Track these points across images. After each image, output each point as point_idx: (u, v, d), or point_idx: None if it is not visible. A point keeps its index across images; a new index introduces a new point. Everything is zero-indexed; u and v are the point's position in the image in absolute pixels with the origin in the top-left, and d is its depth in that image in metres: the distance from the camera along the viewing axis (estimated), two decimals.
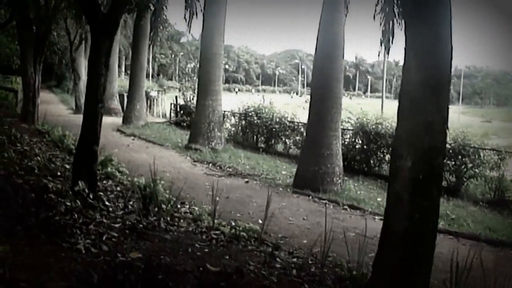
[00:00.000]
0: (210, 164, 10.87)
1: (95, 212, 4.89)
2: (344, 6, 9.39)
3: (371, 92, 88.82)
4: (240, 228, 5.27)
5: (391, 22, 8.42)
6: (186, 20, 14.98)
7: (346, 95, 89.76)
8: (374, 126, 11.42)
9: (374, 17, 7.01)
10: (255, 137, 14.69)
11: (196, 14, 15.00)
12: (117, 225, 4.48)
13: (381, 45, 6.98)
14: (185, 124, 17.24)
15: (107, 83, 20.90)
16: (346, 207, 8.19)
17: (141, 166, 8.94)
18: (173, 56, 65.82)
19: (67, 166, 7.66)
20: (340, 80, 9.46)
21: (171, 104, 19.46)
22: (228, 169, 10.49)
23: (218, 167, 10.66)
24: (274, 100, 41.38)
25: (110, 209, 5.21)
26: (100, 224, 4.35)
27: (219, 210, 7.24)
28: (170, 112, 19.48)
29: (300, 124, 13.47)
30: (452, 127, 11.79)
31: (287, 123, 13.57)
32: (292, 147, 13.43)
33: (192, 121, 13.50)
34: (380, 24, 10.44)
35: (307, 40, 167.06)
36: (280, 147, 14.20)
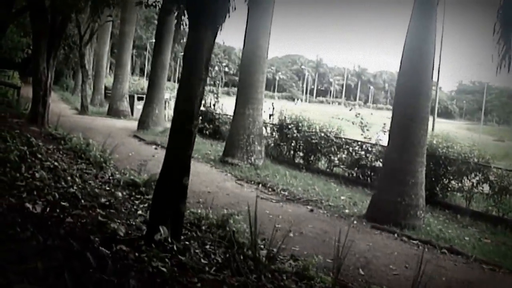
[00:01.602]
0: (260, 185, 9.44)
1: (189, 275, 3.46)
2: (435, 13, 8.09)
3: (373, 103, 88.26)
4: None
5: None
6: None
7: (346, 105, 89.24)
8: (444, 150, 10.13)
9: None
10: (291, 151, 13.27)
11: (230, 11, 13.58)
12: None
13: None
14: (207, 132, 15.74)
15: (118, 83, 19.41)
16: (444, 250, 6.86)
17: None
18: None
19: (111, 190, 6.19)
20: (429, 98, 8.20)
21: None
22: (282, 192, 9.08)
23: (269, 189, 9.25)
24: (277, 107, 39.90)
25: (206, 267, 3.76)
26: None
27: (297, 250, 5.94)
28: None
29: (349, 141, 12.14)
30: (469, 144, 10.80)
31: (334, 139, 12.20)
32: (340, 166, 12.04)
33: (229, 132, 12.02)
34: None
35: (308, 45, 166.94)
36: (322, 164, 12.82)
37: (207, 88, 18.00)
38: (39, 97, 12.46)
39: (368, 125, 12.42)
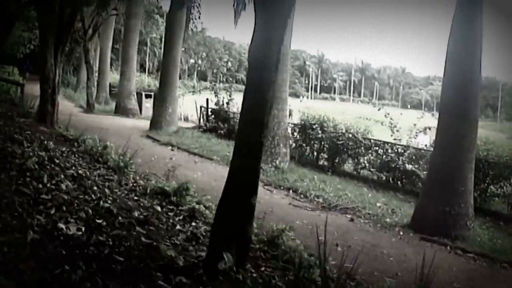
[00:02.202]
0: (290, 191, 8.86)
1: None
2: (481, 10, 7.52)
3: (378, 99, 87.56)
4: None
5: None
6: (235, 11, 12.91)
7: (352, 101, 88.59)
8: (484, 153, 9.58)
9: None
10: (314, 153, 12.70)
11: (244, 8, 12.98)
12: None
13: None
14: (222, 132, 15.14)
15: (125, 80, 18.77)
16: (504, 264, 6.33)
17: (207, 191, 7.07)
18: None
19: (139, 200, 5.63)
20: (477, 100, 7.62)
21: (201, 107, 17.32)
22: (315, 198, 8.51)
23: (301, 196, 8.68)
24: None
25: None
26: None
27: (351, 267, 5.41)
28: (200, 116, 17.32)
29: (378, 142, 11.59)
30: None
31: (362, 140, 11.62)
32: (368, 168, 11.48)
33: None
34: None
35: (310, 40, 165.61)
36: (348, 166, 12.25)
37: (218, 85, 17.39)
38: (47, 95, 11.83)
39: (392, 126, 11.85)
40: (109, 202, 4.84)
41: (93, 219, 4.02)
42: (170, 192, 6.14)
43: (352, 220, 7.63)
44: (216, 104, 16.22)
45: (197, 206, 5.67)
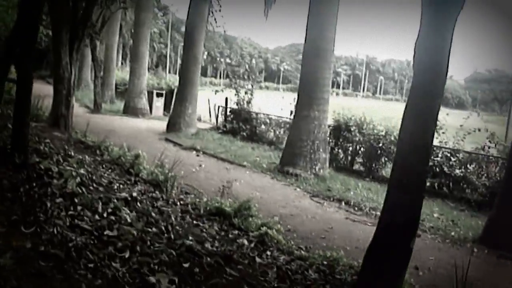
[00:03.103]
0: (342, 203, 8.23)
1: None
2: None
3: (382, 93, 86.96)
4: None
5: None
6: (265, 2, 12.20)
7: (356, 96, 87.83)
8: None
9: None
10: (348, 157, 12.06)
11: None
12: None
13: None
14: (245, 134, 14.46)
15: (135, 78, 17.92)
16: None
17: (261, 206, 6.57)
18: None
19: (199, 224, 5.02)
20: None
21: (219, 107, 16.61)
22: (371, 211, 7.90)
23: (355, 208, 8.05)
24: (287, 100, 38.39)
25: None
26: None
27: None
28: (216, 116, 16.62)
29: None
30: None
31: None
32: None
33: (289, 137, 10.75)
34: None
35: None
36: (386, 171, 11.61)
37: (240, 83, 16.57)
38: (61, 96, 10.98)
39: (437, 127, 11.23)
40: (179, 232, 4.19)
41: (178, 262, 3.37)
42: (230, 213, 5.49)
43: (419, 236, 7.01)
44: (237, 103, 15.53)
45: (269, 231, 5.04)
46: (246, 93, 15.39)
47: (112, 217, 4.13)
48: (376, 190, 9.67)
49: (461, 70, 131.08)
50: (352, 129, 11.50)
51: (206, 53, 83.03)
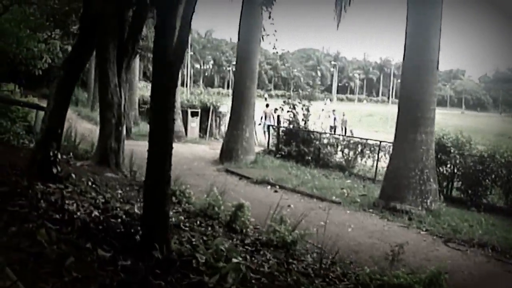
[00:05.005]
0: (488, 249, 6.92)
1: None
2: None
3: (397, 98, 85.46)
4: None
5: None
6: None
7: (368, 101, 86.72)
8: None
9: None
10: (445, 182, 10.78)
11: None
12: None
13: None
14: (309, 158, 13.21)
15: None
16: None
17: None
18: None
19: None
20: None
21: (268, 126, 15.40)
22: None
23: (499, 253, 6.77)
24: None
25: None
26: None
27: None
28: (269, 137, 15.38)
29: None
30: None
31: None
32: None
33: (390, 164, 9.49)
34: None
35: (321, 37, 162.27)
36: (492, 198, 10.35)
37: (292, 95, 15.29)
38: (110, 127, 9.45)
39: None
40: None
41: None
42: None
43: None
44: (291, 121, 14.32)
45: None
46: (302, 108, 14.20)
47: None
48: (499, 225, 8.41)
49: (481, 69, 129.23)
50: (451, 150, 10.23)
51: (212, 61, 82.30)
